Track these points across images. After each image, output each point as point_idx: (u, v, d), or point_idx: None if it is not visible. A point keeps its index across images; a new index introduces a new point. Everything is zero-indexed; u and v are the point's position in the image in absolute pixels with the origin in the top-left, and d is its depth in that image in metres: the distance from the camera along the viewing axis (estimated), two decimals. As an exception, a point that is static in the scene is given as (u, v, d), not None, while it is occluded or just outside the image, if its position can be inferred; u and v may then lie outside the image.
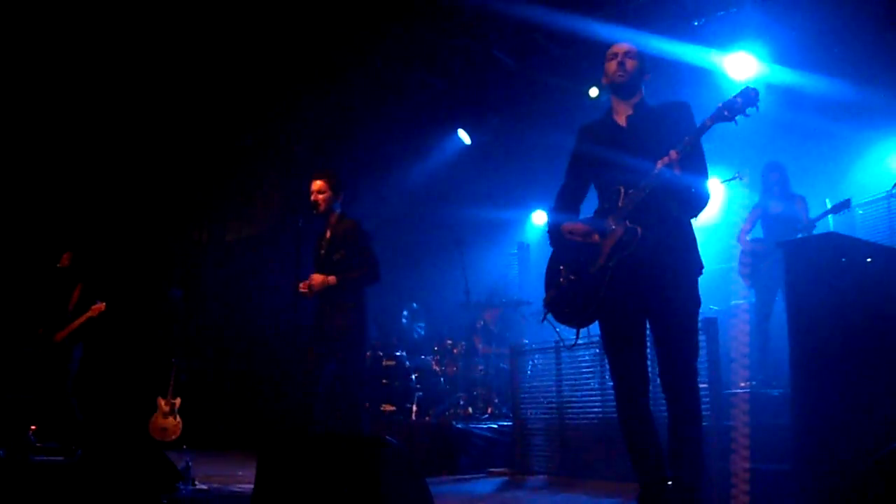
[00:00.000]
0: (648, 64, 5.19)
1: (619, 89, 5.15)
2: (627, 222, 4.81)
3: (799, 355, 5.75)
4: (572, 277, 5.06)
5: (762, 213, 9.76)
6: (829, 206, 9.30)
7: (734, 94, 4.59)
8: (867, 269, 5.72)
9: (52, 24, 11.56)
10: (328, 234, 7.95)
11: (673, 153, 4.70)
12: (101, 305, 10.64)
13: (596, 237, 4.93)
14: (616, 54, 5.14)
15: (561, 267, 5.19)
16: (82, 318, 10.58)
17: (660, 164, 4.72)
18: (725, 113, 4.59)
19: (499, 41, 11.57)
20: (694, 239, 4.97)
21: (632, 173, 4.86)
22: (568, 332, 5.32)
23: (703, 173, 4.89)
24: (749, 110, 4.54)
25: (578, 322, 5.11)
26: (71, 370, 10.54)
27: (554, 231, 5.32)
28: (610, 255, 4.83)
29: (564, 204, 5.35)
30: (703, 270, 4.95)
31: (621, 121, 5.15)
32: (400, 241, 13.75)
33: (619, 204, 4.88)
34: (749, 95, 4.54)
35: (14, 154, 13.09)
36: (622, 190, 4.89)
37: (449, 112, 13.53)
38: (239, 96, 13.86)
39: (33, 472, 8.59)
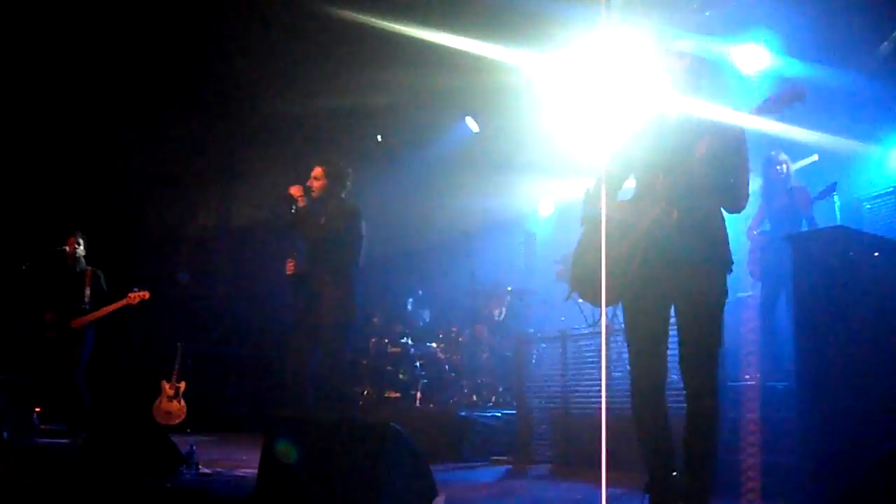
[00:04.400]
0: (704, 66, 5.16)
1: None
2: (665, 203, 4.80)
3: (805, 348, 5.75)
4: (602, 256, 5.05)
5: (767, 207, 9.73)
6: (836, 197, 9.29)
7: (783, 88, 4.61)
8: (875, 263, 5.71)
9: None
10: (323, 219, 7.99)
11: (704, 142, 4.72)
12: (145, 294, 10.58)
13: (630, 220, 4.91)
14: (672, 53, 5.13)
15: (590, 244, 5.17)
16: (116, 306, 10.52)
17: (700, 151, 4.73)
18: (772, 105, 4.60)
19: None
20: (726, 234, 4.94)
21: (672, 162, 4.85)
22: (591, 313, 5.31)
23: (744, 169, 4.87)
24: (796, 104, 4.56)
25: (603, 300, 5.09)
26: (84, 354, 10.50)
27: (589, 207, 5.29)
28: (642, 236, 4.83)
29: (606, 187, 5.30)
30: (732, 267, 4.93)
31: (666, 112, 5.12)
32: (406, 229, 13.75)
33: (657, 190, 4.87)
34: (798, 90, 4.57)
35: (21, 139, 13.09)
36: (661, 175, 4.88)
37: (457, 99, 13.51)
38: (246, 81, 13.87)
39: (37, 454, 8.62)
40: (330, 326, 7.75)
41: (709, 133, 4.80)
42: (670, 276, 4.79)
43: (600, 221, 5.14)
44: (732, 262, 4.92)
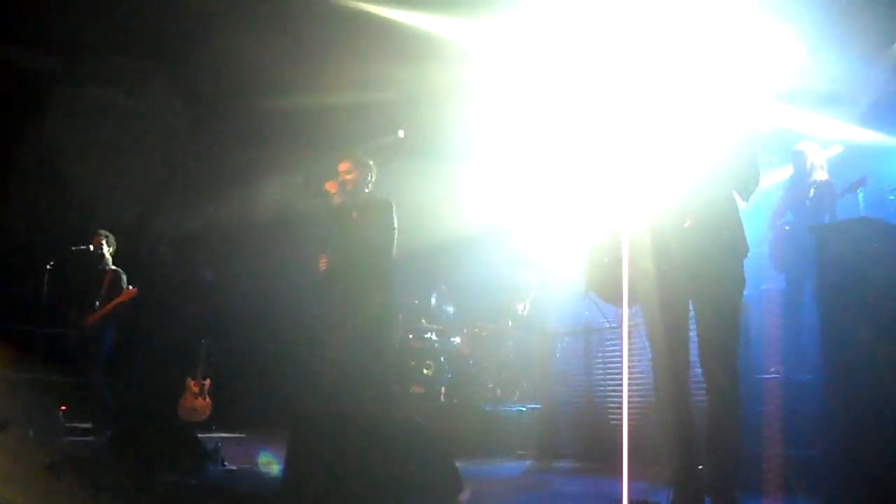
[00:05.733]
0: None
1: None
2: (681, 204, 4.81)
3: (829, 341, 5.72)
4: (618, 256, 5.06)
5: (791, 198, 9.69)
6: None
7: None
8: (899, 255, 5.68)
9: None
10: (354, 213, 7.99)
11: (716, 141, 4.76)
12: (133, 291, 10.67)
13: (645, 217, 4.93)
14: None
15: (606, 245, 5.20)
16: (113, 303, 10.61)
17: (718, 151, 4.76)
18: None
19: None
20: (740, 221, 4.95)
21: (686, 158, 4.88)
22: (609, 312, 5.33)
23: (754, 157, 4.89)
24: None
25: (622, 300, 5.11)
26: (103, 352, 10.58)
27: (602, 211, 5.33)
28: (657, 236, 4.84)
29: (617, 188, 5.33)
30: (748, 252, 4.95)
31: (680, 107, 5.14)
32: (430, 224, 13.73)
33: (670, 184, 4.89)
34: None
35: (46, 140, 13.16)
36: (675, 176, 4.89)
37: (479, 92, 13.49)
38: (266, 78, 13.88)
39: (63, 452, 8.66)
40: (374, 322, 7.76)
41: (722, 128, 4.82)
42: (687, 272, 4.80)
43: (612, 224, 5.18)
44: (748, 249, 4.94)
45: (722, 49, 9.75)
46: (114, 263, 10.94)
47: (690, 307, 4.97)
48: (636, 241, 4.92)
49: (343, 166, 8.08)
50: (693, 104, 5.06)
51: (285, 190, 15.85)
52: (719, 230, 4.84)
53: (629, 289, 4.90)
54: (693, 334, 4.98)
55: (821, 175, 9.52)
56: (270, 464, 5.35)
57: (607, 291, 5.24)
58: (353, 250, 7.91)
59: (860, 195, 9.21)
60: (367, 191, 8.12)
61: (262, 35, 12.63)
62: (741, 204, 5.01)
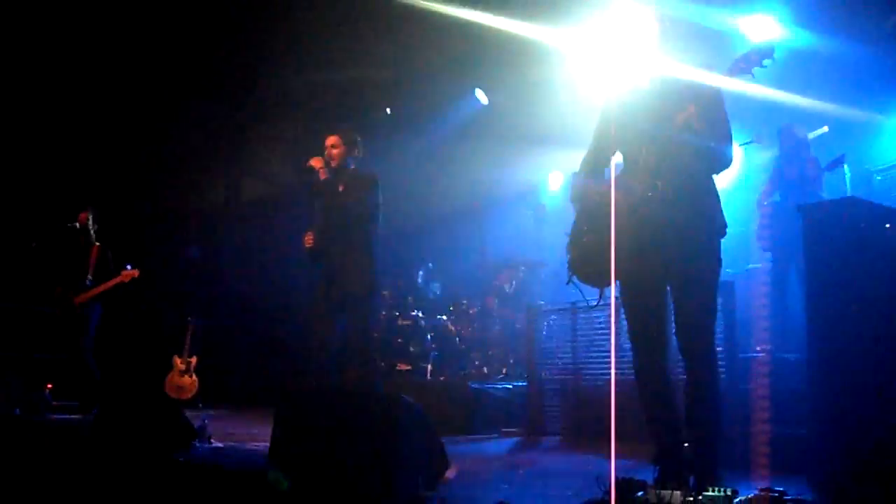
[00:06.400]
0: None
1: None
2: (648, 178, 4.79)
3: (816, 320, 5.73)
4: (594, 237, 5.04)
5: (779, 177, 9.70)
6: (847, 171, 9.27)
7: (751, 48, 4.57)
8: (886, 235, 5.68)
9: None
10: (341, 188, 7.96)
11: (691, 107, 4.70)
12: (135, 272, 10.60)
13: (618, 195, 4.90)
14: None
15: (584, 227, 5.17)
16: (111, 283, 10.56)
17: (680, 118, 4.72)
18: (742, 65, 4.57)
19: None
20: (717, 198, 4.93)
21: (653, 132, 4.84)
22: (591, 293, 5.30)
23: (726, 130, 4.87)
24: (765, 62, 4.52)
25: (601, 281, 5.09)
26: (90, 329, 10.54)
27: (577, 192, 5.30)
28: (632, 212, 4.81)
29: (590, 167, 5.31)
30: (726, 231, 4.93)
31: (645, 81, 5.10)
32: (416, 201, 13.71)
33: (641, 162, 4.86)
34: (765, 48, 4.52)
35: (33, 111, 13.08)
36: (643, 149, 4.87)
37: (467, 71, 13.46)
38: (254, 56, 13.83)
39: (49, 430, 8.65)
40: (356, 296, 7.74)
41: (688, 98, 4.78)
42: (662, 250, 4.78)
43: (590, 201, 5.15)
44: (726, 226, 4.93)
45: (700, 21, 9.77)
46: (97, 240, 10.89)
47: (667, 286, 4.97)
48: (611, 223, 4.89)
49: (330, 140, 8.04)
50: (667, 76, 5.03)
51: (272, 167, 15.82)
52: (696, 208, 4.83)
53: (608, 268, 4.87)
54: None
55: (806, 154, 9.53)
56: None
57: (585, 272, 5.21)
58: (337, 224, 7.88)
59: (847, 175, 9.24)
60: (352, 166, 8.08)
61: (251, 16, 12.60)
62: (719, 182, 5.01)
